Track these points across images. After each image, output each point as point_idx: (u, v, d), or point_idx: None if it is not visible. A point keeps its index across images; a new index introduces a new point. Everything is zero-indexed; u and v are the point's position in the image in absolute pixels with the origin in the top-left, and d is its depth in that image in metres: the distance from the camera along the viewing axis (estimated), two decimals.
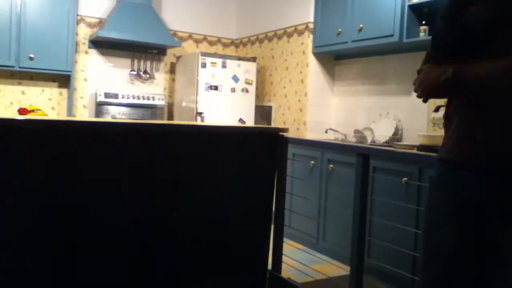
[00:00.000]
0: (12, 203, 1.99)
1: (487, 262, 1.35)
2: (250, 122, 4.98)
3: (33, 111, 4.44)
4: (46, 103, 4.79)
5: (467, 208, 1.35)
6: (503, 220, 1.30)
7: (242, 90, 4.97)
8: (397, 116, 3.91)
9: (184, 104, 5.04)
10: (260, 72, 5.29)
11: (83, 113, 4.94)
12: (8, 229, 2.00)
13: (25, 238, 2.03)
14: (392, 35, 3.63)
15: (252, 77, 5.03)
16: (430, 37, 1.65)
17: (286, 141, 2.76)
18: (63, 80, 4.83)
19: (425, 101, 1.49)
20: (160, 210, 2.35)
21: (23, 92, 4.68)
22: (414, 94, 1.49)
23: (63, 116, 4.74)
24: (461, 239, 1.38)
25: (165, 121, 4.78)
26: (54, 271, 2.11)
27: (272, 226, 2.73)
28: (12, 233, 2.01)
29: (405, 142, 3.75)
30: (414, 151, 2.97)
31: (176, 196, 2.39)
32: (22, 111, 4.44)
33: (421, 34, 3.52)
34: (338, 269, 2.79)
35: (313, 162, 3.73)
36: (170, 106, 5.41)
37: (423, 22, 3.54)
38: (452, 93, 1.42)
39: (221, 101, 4.84)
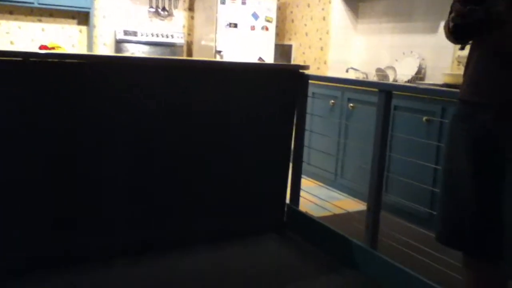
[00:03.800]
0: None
1: (498, 190, 1.40)
2: (269, 61, 4.92)
3: (53, 48, 4.45)
4: (66, 41, 4.79)
5: (481, 143, 1.44)
6: (508, 146, 1.37)
7: (262, 28, 4.87)
8: (422, 54, 3.80)
9: (203, 42, 4.98)
10: (281, 9, 5.15)
11: (103, 51, 4.94)
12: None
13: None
14: None
15: (273, 14, 4.90)
16: None
17: (306, 79, 2.73)
18: (83, 17, 4.80)
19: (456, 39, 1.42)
20: (181, 144, 2.39)
21: (43, 29, 4.67)
22: (440, 32, 1.44)
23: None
24: (473, 170, 1.45)
25: (184, 57, 4.76)
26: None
27: (291, 163, 2.77)
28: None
29: (428, 81, 3.67)
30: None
31: (196, 132, 2.42)
32: (42, 48, 4.45)
33: None
34: (356, 204, 2.84)
35: (333, 101, 3.70)
36: (189, 44, 5.35)
37: None
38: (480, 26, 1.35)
39: (240, 39, 4.77)
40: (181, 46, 5.15)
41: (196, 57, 5.16)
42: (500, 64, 1.39)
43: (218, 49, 4.66)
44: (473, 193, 1.47)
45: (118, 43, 4.84)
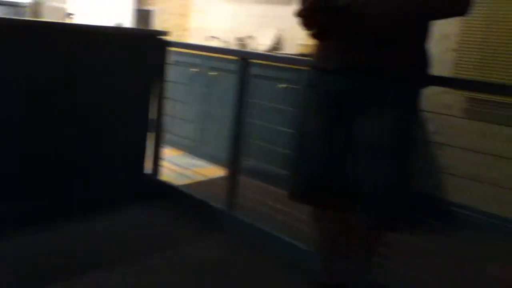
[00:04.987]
0: None
1: (348, 145, 1.53)
2: (128, 27, 4.67)
3: None
4: None
5: (331, 103, 1.57)
6: (353, 107, 1.52)
7: None
8: (279, 25, 3.94)
9: (52, 3, 4.53)
10: None
11: None
12: None
13: None
14: None
15: None
16: None
17: (165, 45, 2.66)
18: None
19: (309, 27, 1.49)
20: (28, 111, 2.17)
21: None
22: (296, 4, 1.49)
23: None
24: (324, 128, 1.58)
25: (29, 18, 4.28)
26: None
27: (152, 132, 2.69)
28: None
29: (285, 51, 3.83)
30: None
31: (44, 100, 2.21)
32: None
33: None
34: (218, 171, 2.89)
35: (195, 69, 3.67)
36: (36, 5, 4.82)
37: None
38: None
39: (95, 1, 4.44)
40: (25, 6, 4.61)
41: (43, 18, 4.68)
42: (344, 40, 1.50)
43: (68, 11, 4.29)
44: (324, 150, 1.58)
45: None
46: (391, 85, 1.49)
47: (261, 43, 3.94)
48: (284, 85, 3.00)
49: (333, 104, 1.56)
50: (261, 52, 3.74)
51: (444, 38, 2.88)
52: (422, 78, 1.56)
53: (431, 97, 2.79)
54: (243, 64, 2.33)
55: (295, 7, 1.47)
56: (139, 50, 2.57)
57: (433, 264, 2.08)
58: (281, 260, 2.07)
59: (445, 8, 1.44)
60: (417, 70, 1.54)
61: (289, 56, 3.08)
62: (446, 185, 2.95)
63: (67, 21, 4.27)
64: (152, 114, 2.69)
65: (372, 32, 1.45)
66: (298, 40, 3.72)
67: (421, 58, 1.54)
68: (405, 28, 1.48)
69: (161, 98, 2.69)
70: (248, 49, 3.96)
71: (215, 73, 3.51)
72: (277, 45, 3.91)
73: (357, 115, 1.52)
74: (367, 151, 1.50)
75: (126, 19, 4.67)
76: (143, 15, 4.90)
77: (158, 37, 2.66)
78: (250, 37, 4.05)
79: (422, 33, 1.52)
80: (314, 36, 1.49)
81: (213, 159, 3.40)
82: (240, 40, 4.02)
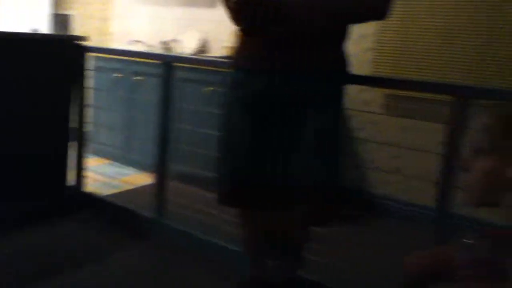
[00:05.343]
0: None
1: (276, 143, 1.54)
2: (45, 32, 4.44)
3: None
4: None
5: (254, 104, 1.56)
6: (279, 107, 1.52)
7: None
8: (206, 28, 3.92)
9: None
10: None
11: None
12: None
13: None
14: None
15: None
16: None
17: (84, 51, 2.55)
18: None
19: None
20: None
21: None
22: (219, 6, 1.46)
23: None
24: (251, 129, 1.57)
25: None
26: None
27: (75, 142, 2.58)
28: None
29: (212, 54, 3.82)
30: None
31: None
32: None
33: None
34: (146, 178, 2.82)
35: (118, 74, 3.56)
36: None
37: None
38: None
39: (5, 5, 4.18)
40: None
41: None
42: (269, 39, 1.50)
43: None
44: (251, 151, 1.57)
45: None
46: (316, 84, 1.51)
47: (186, 46, 3.90)
48: (211, 88, 2.99)
49: (259, 104, 1.56)
50: (185, 55, 3.70)
51: (362, 38, 3.00)
52: (346, 76, 1.61)
53: (352, 95, 2.90)
54: (166, 68, 2.29)
55: (220, 9, 1.45)
56: (56, 56, 2.45)
57: (358, 255, 2.16)
58: (212, 263, 2.06)
59: (366, 13, 1.50)
60: (340, 69, 1.59)
61: (214, 58, 3.07)
62: (370, 178, 3.08)
63: None
64: (74, 123, 2.57)
65: (299, 33, 1.47)
66: (223, 42, 3.72)
67: (343, 57, 1.59)
68: (330, 30, 1.52)
69: (82, 106, 2.58)
70: (173, 53, 3.90)
71: (140, 78, 3.42)
72: (203, 48, 3.88)
73: (284, 115, 1.53)
74: (295, 149, 1.52)
75: (42, 25, 4.43)
76: (60, 20, 4.68)
77: (76, 42, 2.55)
78: (175, 40, 3.99)
79: (343, 34, 1.57)
80: (242, 31, 1.46)
81: (141, 167, 3.31)
82: (165, 43, 3.95)
